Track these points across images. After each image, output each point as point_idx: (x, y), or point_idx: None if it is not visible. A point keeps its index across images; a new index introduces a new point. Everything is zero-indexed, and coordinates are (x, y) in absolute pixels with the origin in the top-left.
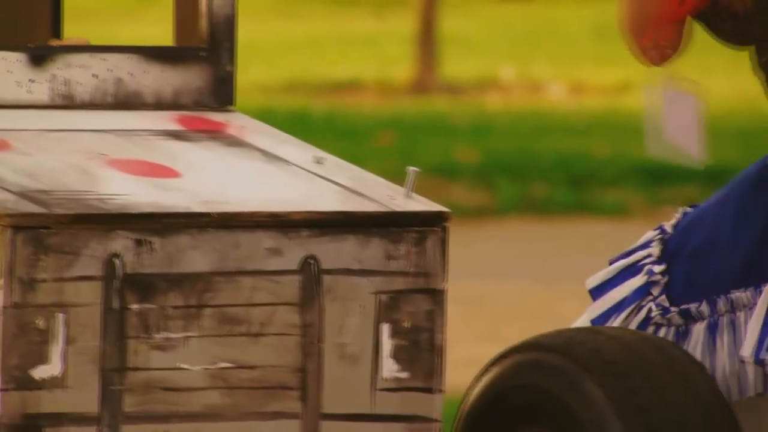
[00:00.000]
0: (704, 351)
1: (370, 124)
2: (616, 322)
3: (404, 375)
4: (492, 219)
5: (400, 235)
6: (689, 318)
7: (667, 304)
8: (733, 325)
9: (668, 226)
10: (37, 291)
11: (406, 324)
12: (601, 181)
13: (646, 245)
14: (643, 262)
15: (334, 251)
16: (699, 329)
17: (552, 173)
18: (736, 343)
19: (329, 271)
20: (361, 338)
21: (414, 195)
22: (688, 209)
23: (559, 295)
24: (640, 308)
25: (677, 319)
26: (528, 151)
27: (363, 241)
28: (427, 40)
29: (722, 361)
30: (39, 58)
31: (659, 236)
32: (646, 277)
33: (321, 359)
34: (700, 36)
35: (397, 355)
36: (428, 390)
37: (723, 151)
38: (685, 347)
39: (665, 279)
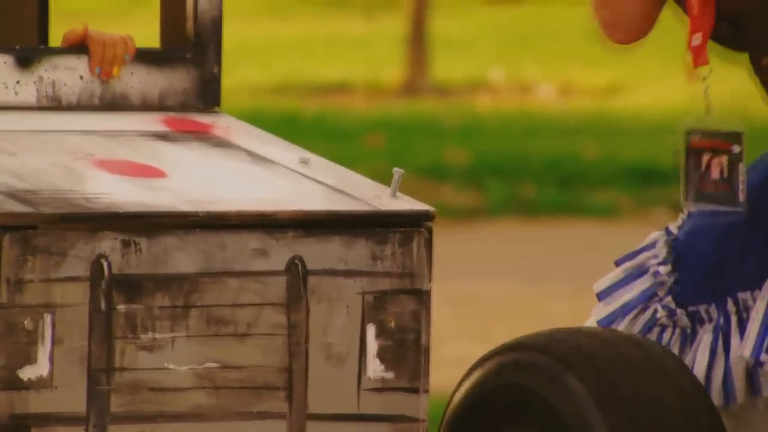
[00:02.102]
0: (714, 353)
1: (360, 126)
2: (623, 323)
3: (390, 375)
4: (482, 220)
5: (386, 236)
6: (696, 320)
7: (673, 306)
8: (742, 326)
9: (674, 228)
10: (25, 292)
11: (392, 324)
12: (590, 183)
13: (651, 246)
14: (649, 263)
15: (319, 252)
16: (707, 330)
17: (541, 174)
18: (742, 343)
19: (315, 272)
20: (346, 338)
21: (400, 195)
22: (695, 210)
23: (549, 295)
24: (645, 309)
25: (684, 321)
26: (517, 153)
27: (348, 242)
28: (417, 42)
29: (734, 362)
30: (25, 59)
31: (665, 237)
32: (652, 279)
33: (307, 359)
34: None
35: (382, 356)
36: (414, 390)
37: None
38: (693, 350)
39: (671, 280)
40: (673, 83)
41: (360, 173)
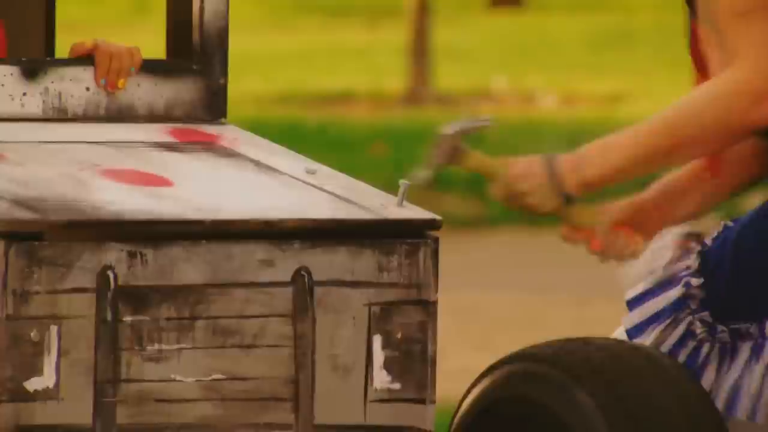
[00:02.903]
0: (744, 368)
1: (363, 136)
2: (653, 333)
3: (396, 386)
4: (484, 229)
5: (392, 247)
6: (737, 337)
7: (710, 320)
8: None
9: (708, 239)
10: (31, 303)
11: (398, 335)
12: (592, 192)
13: (684, 257)
14: (681, 274)
15: (326, 263)
16: (746, 348)
17: None
18: None
19: (321, 283)
20: (353, 349)
21: (406, 204)
22: (729, 223)
23: (552, 304)
24: (678, 321)
25: (725, 337)
26: None
27: (355, 253)
28: (420, 52)
29: (755, 380)
30: (32, 71)
31: (698, 248)
32: (683, 289)
33: (313, 370)
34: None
35: (389, 367)
36: (420, 401)
37: None
38: (730, 364)
39: (703, 293)
40: (676, 92)
41: (363, 182)
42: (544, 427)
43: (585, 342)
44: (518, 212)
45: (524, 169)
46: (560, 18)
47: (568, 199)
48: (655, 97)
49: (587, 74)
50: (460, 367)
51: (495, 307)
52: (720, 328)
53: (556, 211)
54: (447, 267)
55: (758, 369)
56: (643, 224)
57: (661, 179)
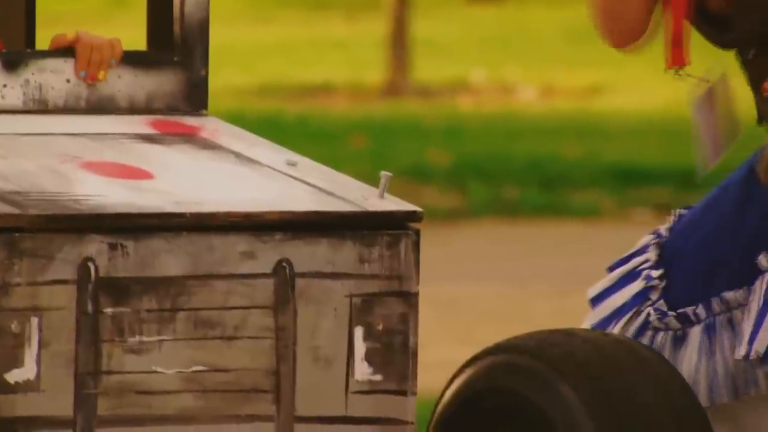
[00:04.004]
0: (701, 353)
1: (342, 128)
2: (615, 328)
3: (377, 377)
4: (464, 221)
5: (373, 238)
6: (686, 321)
7: (664, 308)
8: (731, 324)
9: (664, 230)
10: (11, 295)
11: (380, 327)
12: (572, 183)
13: (642, 250)
14: (641, 267)
15: (307, 254)
16: (696, 332)
17: (523, 175)
18: (736, 341)
19: (303, 275)
20: (334, 341)
21: (387, 196)
22: (683, 211)
23: (532, 296)
24: (638, 313)
25: (674, 323)
26: (499, 154)
27: (336, 244)
28: (399, 44)
29: (722, 360)
30: (12, 62)
31: (655, 240)
32: (644, 282)
33: (295, 362)
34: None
35: (370, 358)
36: (401, 392)
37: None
38: (683, 351)
39: (663, 283)
40: (655, 84)
41: (343, 174)
42: (526, 418)
43: (568, 334)
44: (498, 204)
45: None
46: (539, 10)
47: None
48: (634, 89)
49: (566, 66)
50: (442, 360)
51: (476, 300)
52: (669, 313)
53: None
54: (428, 260)
55: (722, 349)
56: None
57: None
